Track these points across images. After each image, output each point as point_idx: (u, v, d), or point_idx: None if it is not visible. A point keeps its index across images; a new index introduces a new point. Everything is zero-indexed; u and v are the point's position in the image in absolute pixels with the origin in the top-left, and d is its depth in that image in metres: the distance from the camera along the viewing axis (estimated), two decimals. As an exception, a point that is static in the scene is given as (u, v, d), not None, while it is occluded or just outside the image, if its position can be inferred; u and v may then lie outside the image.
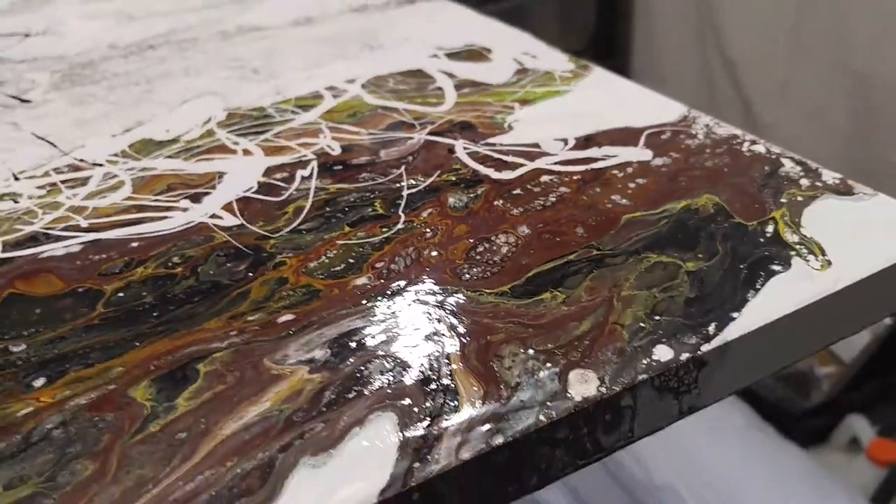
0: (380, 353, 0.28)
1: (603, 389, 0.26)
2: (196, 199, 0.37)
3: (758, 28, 1.65)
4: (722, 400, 0.29)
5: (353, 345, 0.28)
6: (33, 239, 0.35)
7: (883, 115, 1.38)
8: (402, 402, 0.26)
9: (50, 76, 0.51)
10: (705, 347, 0.27)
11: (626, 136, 0.40)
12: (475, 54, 0.51)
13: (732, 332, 0.28)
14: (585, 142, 0.40)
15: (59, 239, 0.35)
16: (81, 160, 0.41)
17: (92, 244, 0.35)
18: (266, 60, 0.51)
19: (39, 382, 0.28)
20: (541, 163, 0.38)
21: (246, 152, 0.41)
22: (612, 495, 1.38)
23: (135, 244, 0.34)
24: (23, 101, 0.48)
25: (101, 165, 0.40)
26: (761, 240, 0.32)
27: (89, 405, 0.26)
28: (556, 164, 0.38)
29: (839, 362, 1.61)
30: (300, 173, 0.39)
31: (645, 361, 0.27)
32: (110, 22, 0.59)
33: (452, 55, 0.51)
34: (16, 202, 0.38)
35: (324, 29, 0.56)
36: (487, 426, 0.25)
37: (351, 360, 0.27)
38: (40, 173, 0.40)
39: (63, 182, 0.39)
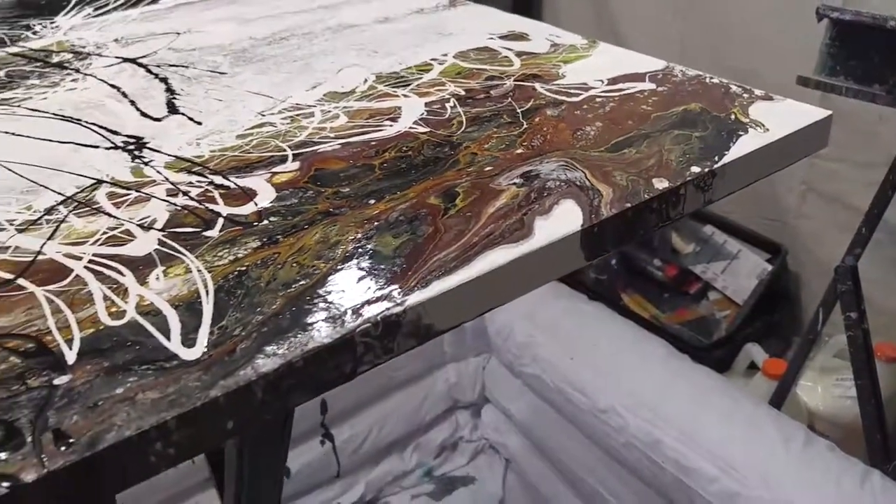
0: (551, 178, 0.52)
1: (669, 184, 0.51)
2: (394, 119, 0.60)
3: (650, 35, 1.99)
4: (722, 198, 0.55)
5: (533, 176, 0.52)
6: (304, 144, 0.58)
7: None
8: (574, 193, 0.50)
9: (224, 58, 0.73)
10: (715, 166, 0.53)
11: (635, 78, 0.66)
12: (518, 36, 0.76)
13: (727, 159, 0.54)
14: (613, 81, 0.66)
15: (320, 143, 0.58)
16: (297, 104, 0.63)
17: (345, 145, 0.57)
18: (378, 45, 0.74)
19: (371, 202, 0.50)
20: (592, 93, 0.64)
21: (405, 96, 0.64)
22: (562, 427, 1.64)
23: (373, 143, 0.57)
24: (220, 73, 0.69)
25: (313, 107, 0.63)
26: (729, 122, 0.59)
27: (409, 207, 0.50)
28: (601, 93, 0.64)
29: (734, 305, 1.94)
30: (448, 105, 0.63)
31: (688, 173, 0.52)
32: (234, 24, 0.81)
33: (503, 38, 0.76)
34: (273, 126, 0.60)
35: (401, 25, 0.79)
36: (620, 201, 0.49)
37: (536, 181, 0.52)
38: (275, 112, 0.62)
39: (297, 116, 0.62)
